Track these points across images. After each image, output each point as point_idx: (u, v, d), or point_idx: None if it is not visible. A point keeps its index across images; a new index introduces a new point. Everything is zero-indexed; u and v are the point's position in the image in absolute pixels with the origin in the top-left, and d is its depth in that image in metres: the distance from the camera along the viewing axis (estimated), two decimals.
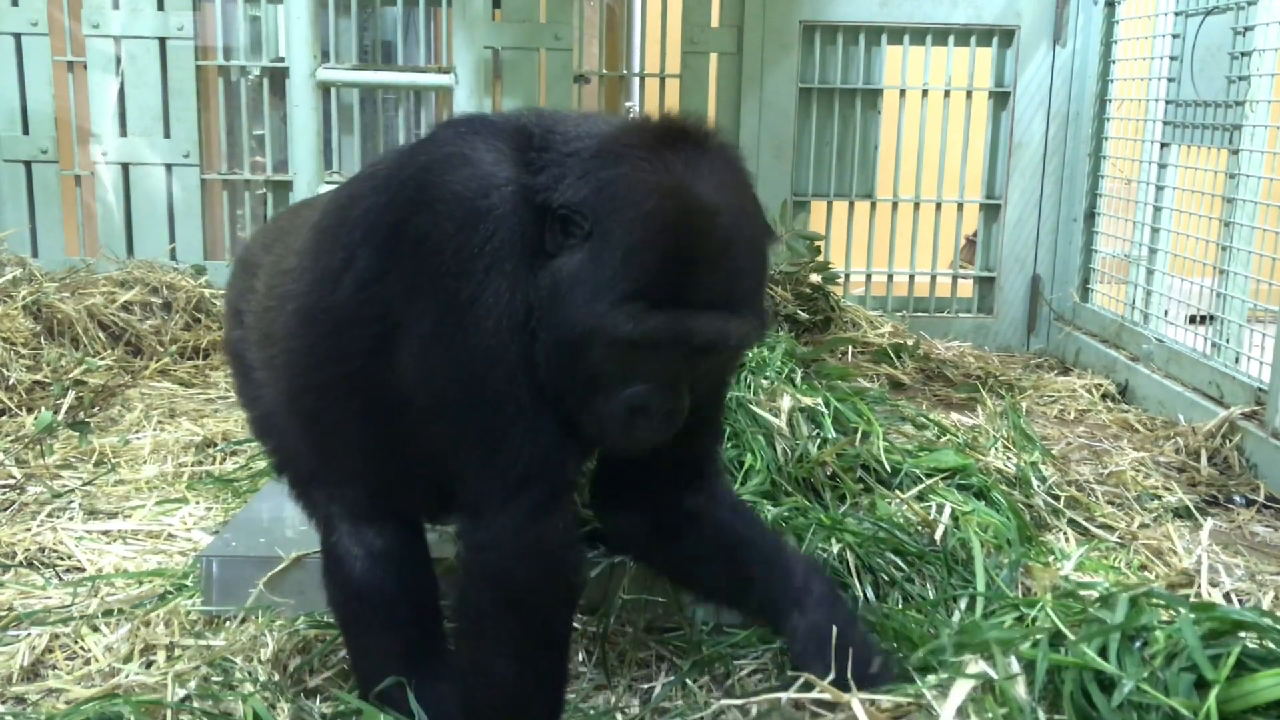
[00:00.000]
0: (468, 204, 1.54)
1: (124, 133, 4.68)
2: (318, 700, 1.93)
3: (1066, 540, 2.66)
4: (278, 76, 4.74)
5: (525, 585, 1.61)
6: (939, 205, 4.90)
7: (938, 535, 2.32)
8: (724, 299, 1.50)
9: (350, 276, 1.64)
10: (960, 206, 4.92)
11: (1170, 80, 4.02)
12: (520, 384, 1.54)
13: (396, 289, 1.59)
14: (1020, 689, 1.26)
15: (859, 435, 2.62)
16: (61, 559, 2.48)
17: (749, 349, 2.42)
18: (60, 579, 2.38)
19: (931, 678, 1.36)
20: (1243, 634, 1.34)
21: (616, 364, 1.53)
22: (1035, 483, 2.80)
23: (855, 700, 1.37)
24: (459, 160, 1.58)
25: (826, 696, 1.43)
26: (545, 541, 1.59)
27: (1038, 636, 1.32)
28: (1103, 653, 1.29)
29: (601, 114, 1.70)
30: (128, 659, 2.04)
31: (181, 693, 1.88)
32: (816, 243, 4.61)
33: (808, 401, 2.64)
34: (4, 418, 3.29)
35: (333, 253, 1.69)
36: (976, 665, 1.29)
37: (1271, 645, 1.30)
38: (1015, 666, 1.29)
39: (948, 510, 2.39)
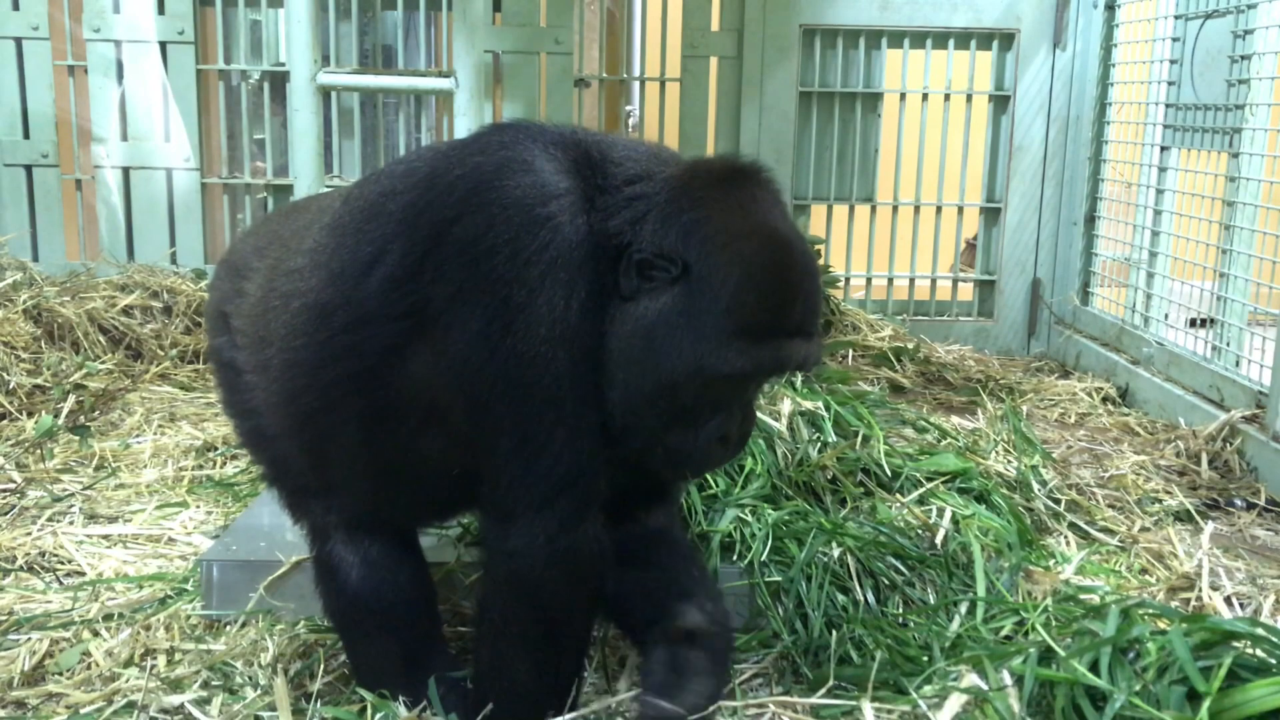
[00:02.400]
0: (526, 211, 1.53)
1: (125, 136, 4.69)
2: (319, 704, 1.93)
3: (1067, 544, 2.66)
4: (278, 80, 4.75)
5: (554, 592, 1.61)
6: (939, 209, 4.91)
7: (938, 539, 2.32)
8: (807, 324, 1.57)
9: (380, 271, 1.61)
10: (960, 210, 4.92)
11: (1170, 84, 4.03)
12: (565, 392, 1.54)
13: (436, 289, 1.57)
14: (1013, 702, 1.26)
15: (859, 439, 2.62)
16: (62, 563, 2.48)
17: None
18: (60, 583, 2.39)
19: (928, 688, 1.36)
20: (1235, 643, 1.33)
21: (708, 397, 1.56)
22: (1036, 486, 2.81)
23: (867, 705, 1.37)
24: (518, 165, 1.57)
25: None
26: (578, 550, 1.59)
27: (1030, 650, 1.31)
28: (1095, 665, 1.28)
29: (646, 145, 1.71)
30: (128, 663, 2.04)
31: None
32: (817, 246, 4.62)
33: (808, 405, 2.65)
34: (4, 422, 3.29)
35: (357, 248, 1.65)
36: (970, 677, 1.29)
37: (1264, 654, 1.29)
38: (1008, 679, 1.29)
39: (948, 514, 2.40)
